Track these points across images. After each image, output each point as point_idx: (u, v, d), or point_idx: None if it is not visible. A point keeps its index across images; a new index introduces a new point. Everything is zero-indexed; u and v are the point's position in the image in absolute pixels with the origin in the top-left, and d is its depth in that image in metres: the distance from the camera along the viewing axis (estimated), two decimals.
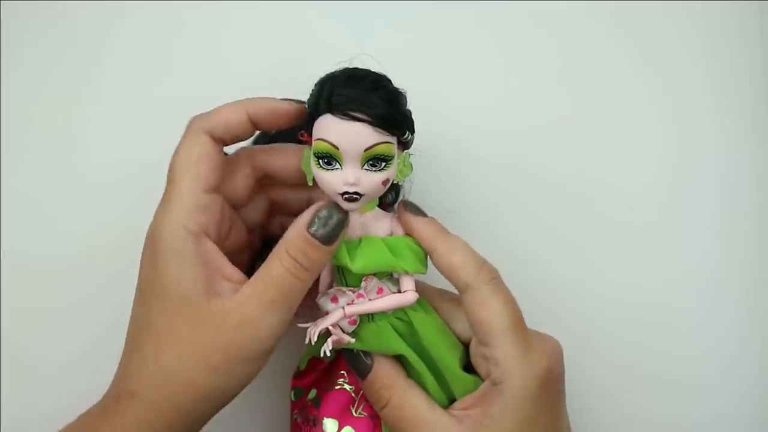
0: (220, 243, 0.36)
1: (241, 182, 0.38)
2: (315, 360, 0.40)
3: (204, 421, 0.36)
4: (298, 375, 0.41)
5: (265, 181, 0.39)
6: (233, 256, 0.36)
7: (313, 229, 0.34)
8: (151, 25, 0.47)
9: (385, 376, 0.36)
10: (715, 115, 0.49)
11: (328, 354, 0.35)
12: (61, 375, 0.43)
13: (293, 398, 0.41)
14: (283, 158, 0.38)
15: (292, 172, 0.38)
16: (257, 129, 0.37)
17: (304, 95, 0.38)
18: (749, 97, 0.49)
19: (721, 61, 0.49)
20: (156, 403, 0.34)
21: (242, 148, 0.39)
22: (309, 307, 0.37)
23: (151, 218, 0.42)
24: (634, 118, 0.48)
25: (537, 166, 0.48)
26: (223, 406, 0.36)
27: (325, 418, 0.38)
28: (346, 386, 0.39)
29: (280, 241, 0.35)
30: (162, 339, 0.34)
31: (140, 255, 0.37)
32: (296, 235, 0.34)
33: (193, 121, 0.36)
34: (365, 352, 0.37)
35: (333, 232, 0.34)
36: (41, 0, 0.46)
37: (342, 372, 0.39)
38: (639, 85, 0.48)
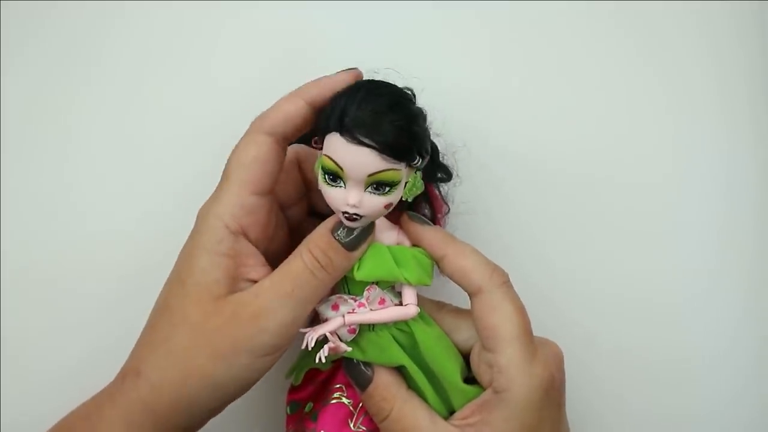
0: (263, 244, 0.36)
1: (290, 182, 0.38)
2: (312, 373, 0.40)
3: (207, 413, 0.35)
4: (294, 389, 0.40)
5: (310, 186, 0.39)
6: (276, 257, 0.36)
7: (338, 233, 0.34)
8: (151, 25, 0.46)
9: (385, 387, 0.36)
10: (715, 114, 0.49)
11: (323, 361, 0.35)
12: (62, 377, 0.44)
13: (289, 412, 0.40)
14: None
15: None
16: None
17: None
18: (748, 96, 0.49)
19: (721, 60, 0.49)
20: (160, 385, 0.34)
21: (293, 146, 0.39)
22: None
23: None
24: (635, 116, 0.48)
25: (539, 162, 0.48)
26: (226, 401, 0.35)
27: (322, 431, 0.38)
28: (344, 400, 0.38)
29: (304, 240, 0.35)
30: (175, 322, 0.34)
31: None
32: (320, 236, 0.35)
33: (254, 122, 0.36)
34: (365, 364, 0.37)
35: (356, 240, 0.34)
36: (41, 0, 0.45)
37: (340, 385, 0.39)
38: (639, 84, 0.48)
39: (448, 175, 0.40)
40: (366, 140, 0.32)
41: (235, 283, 0.35)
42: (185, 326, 0.34)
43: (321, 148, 0.34)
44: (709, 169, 0.49)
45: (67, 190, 0.46)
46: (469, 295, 0.36)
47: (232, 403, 0.38)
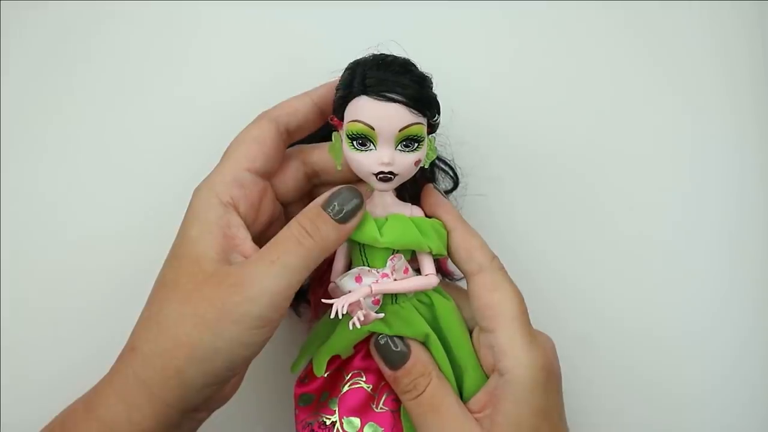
0: (253, 227, 0.37)
1: (290, 175, 0.39)
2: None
3: (197, 392, 0.34)
4: (303, 382, 0.39)
5: (314, 179, 0.40)
6: None
7: (329, 207, 0.35)
8: (151, 25, 0.46)
9: (423, 364, 0.36)
10: (722, 116, 0.49)
11: (358, 326, 0.34)
12: (62, 376, 0.41)
13: (301, 404, 0.39)
14: (330, 156, 0.38)
15: (337, 171, 0.38)
16: (325, 116, 0.38)
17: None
18: (753, 97, 0.50)
19: (727, 61, 0.50)
20: (150, 358, 0.34)
21: (296, 146, 0.40)
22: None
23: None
24: (639, 118, 0.49)
25: (542, 166, 0.48)
26: (215, 378, 0.34)
27: (345, 417, 0.37)
28: (364, 384, 0.37)
29: (297, 215, 0.35)
30: (168, 295, 0.34)
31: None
32: (309, 209, 0.35)
33: (262, 112, 0.38)
34: (397, 340, 0.36)
35: (347, 214, 0.35)
36: (41, 0, 0.45)
37: (357, 371, 0.38)
38: (645, 84, 0.49)
39: (455, 180, 0.42)
40: (393, 95, 0.33)
41: (226, 254, 0.35)
42: (176, 297, 0.34)
43: (339, 125, 0.35)
44: (717, 181, 0.49)
45: (66, 190, 0.44)
46: (467, 273, 0.37)
47: (237, 397, 0.37)
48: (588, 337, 0.47)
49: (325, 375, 0.38)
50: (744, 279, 0.49)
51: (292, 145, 0.40)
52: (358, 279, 0.36)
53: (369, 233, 0.35)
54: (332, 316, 0.34)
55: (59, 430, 0.35)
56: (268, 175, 0.37)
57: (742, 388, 0.49)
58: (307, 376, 0.39)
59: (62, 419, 0.35)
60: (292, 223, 0.35)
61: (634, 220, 0.49)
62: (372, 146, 0.34)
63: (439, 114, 0.36)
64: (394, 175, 0.35)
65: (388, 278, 0.36)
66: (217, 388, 0.35)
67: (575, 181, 0.48)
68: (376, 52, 0.36)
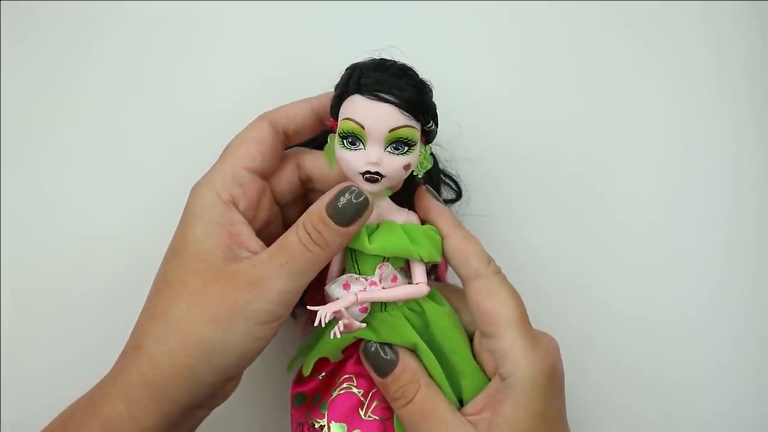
0: (249, 221, 0.37)
1: (285, 178, 0.39)
2: (319, 364, 0.39)
3: (206, 387, 0.34)
4: (300, 382, 0.39)
5: (307, 184, 0.40)
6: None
7: (332, 209, 0.34)
8: (152, 26, 0.46)
9: (411, 370, 0.36)
10: (718, 115, 0.49)
11: (338, 336, 0.34)
12: (63, 376, 0.42)
13: (296, 405, 0.39)
14: (323, 163, 0.38)
15: (328, 179, 0.38)
16: (323, 124, 0.38)
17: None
18: (750, 96, 0.49)
19: (723, 60, 0.49)
20: (158, 357, 0.34)
21: (293, 148, 0.40)
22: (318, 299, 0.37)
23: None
24: (645, 124, 0.48)
25: (542, 166, 0.48)
26: (225, 374, 0.34)
27: (332, 422, 0.37)
28: (354, 389, 0.38)
29: (303, 214, 0.35)
30: (173, 293, 0.35)
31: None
32: (315, 212, 0.35)
33: (262, 113, 0.38)
34: (386, 347, 0.36)
35: (350, 216, 0.34)
36: (41, 0, 0.45)
37: (349, 375, 0.38)
38: (650, 88, 0.48)
39: (457, 191, 0.42)
40: (386, 96, 0.33)
41: (231, 251, 0.35)
42: (184, 295, 0.34)
43: (335, 127, 0.35)
44: (713, 176, 0.49)
45: (66, 188, 0.45)
46: (464, 279, 0.37)
47: (235, 398, 0.38)
48: (589, 335, 0.47)
49: (320, 377, 0.38)
50: (741, 275, 0.49)
51: (290, 148, 0.40)
52: (346, 286, 0.36)
53: (359, 240, 0.35)
54: (315, 324, 0.34)
55: (60, 429, 0.35)
56: (265, 174, 0.38)
57: (743, 382, 0.49)
58: (303, 376, 0.39)
59: (62, 419, 0.36)
60: (299, 226, 0.35)
61: (634, 220, 0.48)
62: (361, 145, 0.34)
63: (435, 122, 0.36)
64: (381, 176, 0.34)
65: (377, 286, 0.36)
66: (223, 384, 0.35)
67: (576, 182, 0.48)
68: (377, 57, 0.36)
